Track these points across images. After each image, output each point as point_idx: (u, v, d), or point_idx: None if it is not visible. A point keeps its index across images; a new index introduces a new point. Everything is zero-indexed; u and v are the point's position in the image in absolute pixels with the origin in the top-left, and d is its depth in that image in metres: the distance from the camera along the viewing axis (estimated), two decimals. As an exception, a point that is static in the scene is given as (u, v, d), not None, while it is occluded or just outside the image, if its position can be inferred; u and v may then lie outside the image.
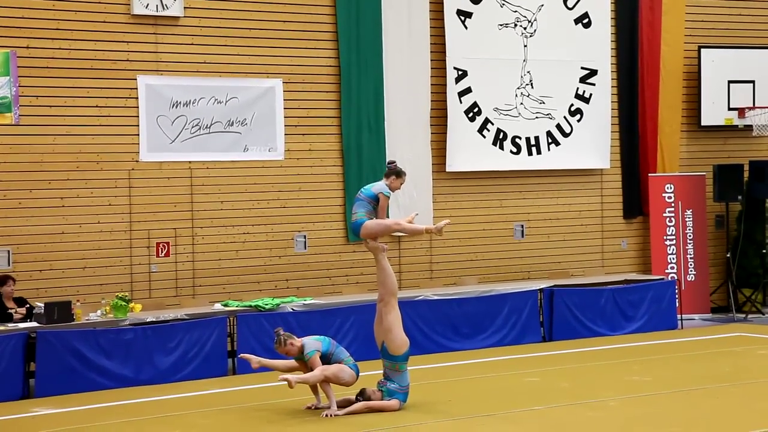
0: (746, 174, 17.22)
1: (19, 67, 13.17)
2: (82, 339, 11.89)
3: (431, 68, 15.62)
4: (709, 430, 9.52)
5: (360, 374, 10.55)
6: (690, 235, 16.99)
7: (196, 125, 14.19)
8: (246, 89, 14.49)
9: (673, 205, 16.96)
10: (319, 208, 14.99)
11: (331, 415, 10.10)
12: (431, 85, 15.63)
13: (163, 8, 13.95)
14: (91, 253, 13.63)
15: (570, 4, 16.51)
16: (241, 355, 11.21)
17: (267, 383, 11.54)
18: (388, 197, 10.43)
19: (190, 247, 14.20)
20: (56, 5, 13.46)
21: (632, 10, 17.01)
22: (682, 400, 10.70)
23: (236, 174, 14.48)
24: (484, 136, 15.96)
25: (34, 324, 11.92)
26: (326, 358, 10.41)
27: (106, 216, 13.74)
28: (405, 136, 15.41)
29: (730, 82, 17.30)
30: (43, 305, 11.98)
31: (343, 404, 10.31)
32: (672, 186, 16.95)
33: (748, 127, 17.31)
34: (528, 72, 16.22)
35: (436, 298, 14.16)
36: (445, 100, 15.67)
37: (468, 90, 15.81)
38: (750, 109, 17.27)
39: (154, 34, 13.99)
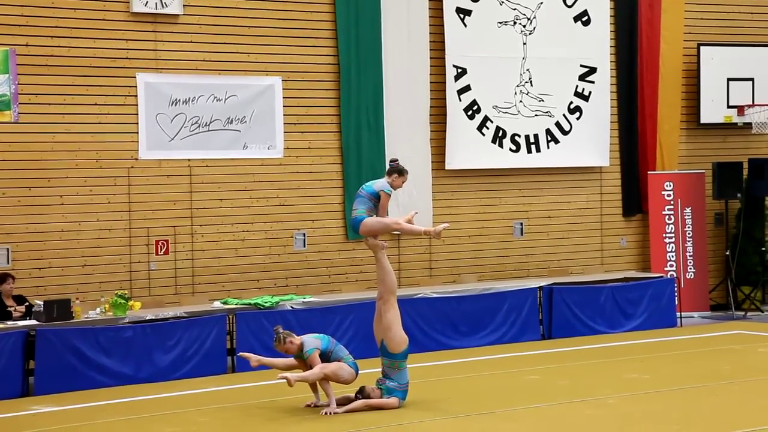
0: (745, 172, 17.22)
1: (18, 64, 13.17)
2: (82, 337, 11.89)
3: (430, 66, 15.62)
4: (708, 427, 9.52)
5: (359, 372, 10.55)
6: (689, 233, 16.99)
7: (196, 123, 14.19)
8: (245, 87, 14.48)
9: (672, 202, 16.96)
10: (319, 206, 14.99)
11: (330, 413, 10.11)
12: (430, 82, 15.63)
13: (163, 6, 13.95)
14: (91, 251, 13.63)
15: (569, 1, 16.50)
16: (240, 353, 11.20)
17: (266, 381, 11.54)
18: (390, 195, 10.43)
19: (190, 245, 14.20)
20: (55, 3, 13.45)
21: (631, 8, 17.00)
22: (681, 398, 10.70)
23: (235, 172, 14.48)
24: (484, 134, 15.96)
25: (33, 322, 11.92)
26: (325, 356, 10.40)
27: (105, 214, 13.73)
28: (404, 134, 15.40)
29: (729, 79, 17.29)
30: (42, 303, 11.98)
31: (343, 402, 10.31)
32: (671, 184, 16.95)
33: (748, 125, 17.31)
34: (527, 70, 16.22)
35: (435, 295, 14.17)
36: (445, 98, 15.67)
37: (467, 88, 15.81)
38: (749, 106, 17.27)
39: (153, 31, 13.98)
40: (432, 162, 15.65)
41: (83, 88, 13.59)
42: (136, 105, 13.87)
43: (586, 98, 16.60)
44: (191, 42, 14.21)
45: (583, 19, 16.58)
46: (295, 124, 14.83)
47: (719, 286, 17.30)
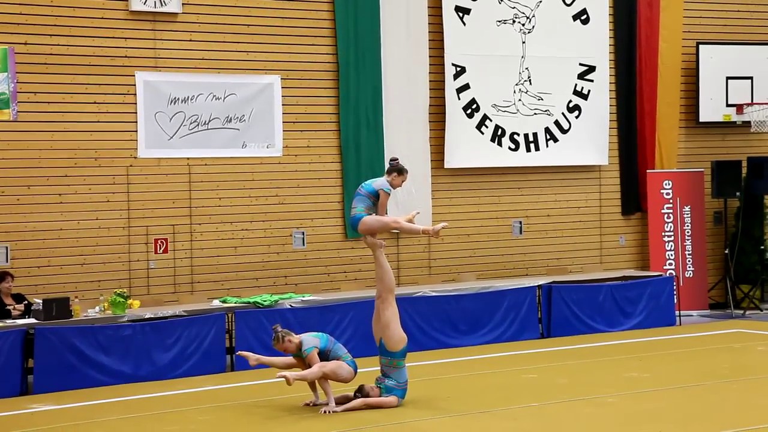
0: (744, 170, 17.23)
1: (17, 63, 13.16)
2: (81, 335, 11.89)
3: (429, 64, 15.61)
4: (708, 426, 9.51)
5: (358, 371, 10.55)
6: (688, 232, 16.98)
7: (195, 121, 14.19)
8: (244, 85, 14.48)
9: (671, 201, 16.96)
10: (318, 205, 14.99)
11: (329, 412, 10.10)
12: (429, 81, 15.62)
13: (162, 4, 13.94)
14: (90, 250, 13.63)
15: (568, 0, 16.50)
16: (239, 352, 11.19)
17: (265, 380, 11.54)
18: (389, 194, 10.43)
19: (188, 243, 14.20)
20: (54, 1, 13.44)
21: (630, 7, 17.00)
22: (680, 397, 10.71)
23: (234, 170, 14.47)
24: (483, 133, 15.96)
25: (32, 320, 11.92)
26: (324, 355, 10.40)
27: (104, 212, 13.73)
28: (403, 133, 15.40)
29: (728, 78, 17.29)
30: (41, 302, 11.98)
31: (342, 401, 10.31)
32: (670, 182, 16.95)
33: (747, 124, 17.32)
34: (526, 68, 16.22)
35: (434, 294, 14.16)
36: (444, 97, 15.67)
37: (466, 86, 15.81)
38: (748, 105, 17.27)
39: (152, 30, 13.98)
40: (431, 160, 15.65)
41: (82, 86, 13.59)
42: (135, 103, 13.87)
43: (585, 97, 16.60)
44: (190, 40, 14.21)
45: (582, 18, 16.58)
46: (294, 122, 14.83)
47: (718, 285, 17.29)
